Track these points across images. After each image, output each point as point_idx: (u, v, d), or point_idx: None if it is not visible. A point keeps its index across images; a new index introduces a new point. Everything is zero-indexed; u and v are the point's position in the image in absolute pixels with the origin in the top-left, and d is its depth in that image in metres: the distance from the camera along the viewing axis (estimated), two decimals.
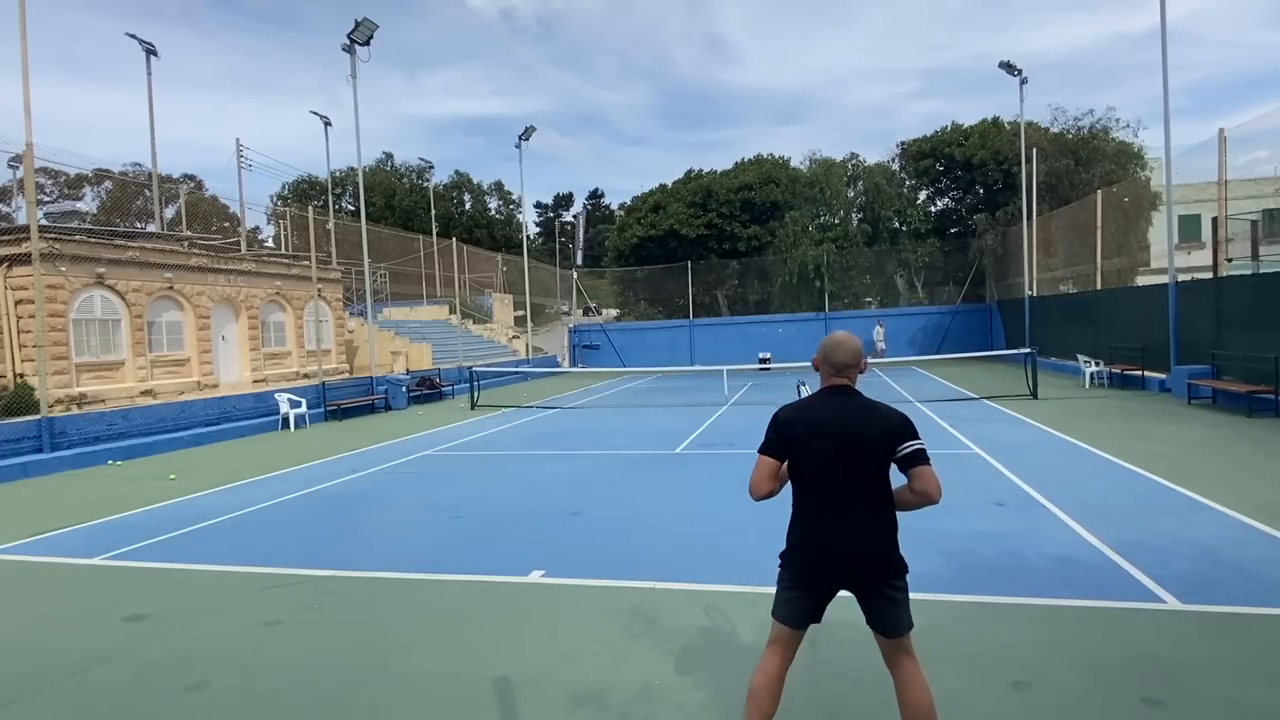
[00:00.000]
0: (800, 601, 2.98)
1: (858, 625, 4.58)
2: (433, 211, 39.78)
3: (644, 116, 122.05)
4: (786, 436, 2.98)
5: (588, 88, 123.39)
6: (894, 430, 2.88)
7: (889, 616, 2.92)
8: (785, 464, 3.02)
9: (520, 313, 37.62)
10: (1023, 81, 25.84)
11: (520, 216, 48.41)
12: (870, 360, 3.55)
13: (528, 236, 46.92)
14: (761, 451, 3.01)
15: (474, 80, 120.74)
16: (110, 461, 12.92)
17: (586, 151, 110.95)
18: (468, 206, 55.19)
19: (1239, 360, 13.70)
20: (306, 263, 23.21)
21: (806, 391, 3.48)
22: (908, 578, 2.96)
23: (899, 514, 2.96)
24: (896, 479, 2.93)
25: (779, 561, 3.07)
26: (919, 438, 2.89)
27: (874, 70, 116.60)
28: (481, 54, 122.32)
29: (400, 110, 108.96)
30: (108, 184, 42.22)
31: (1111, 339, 19.33)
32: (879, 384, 21.31)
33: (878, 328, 30.90)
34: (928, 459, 2.88)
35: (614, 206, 62.16)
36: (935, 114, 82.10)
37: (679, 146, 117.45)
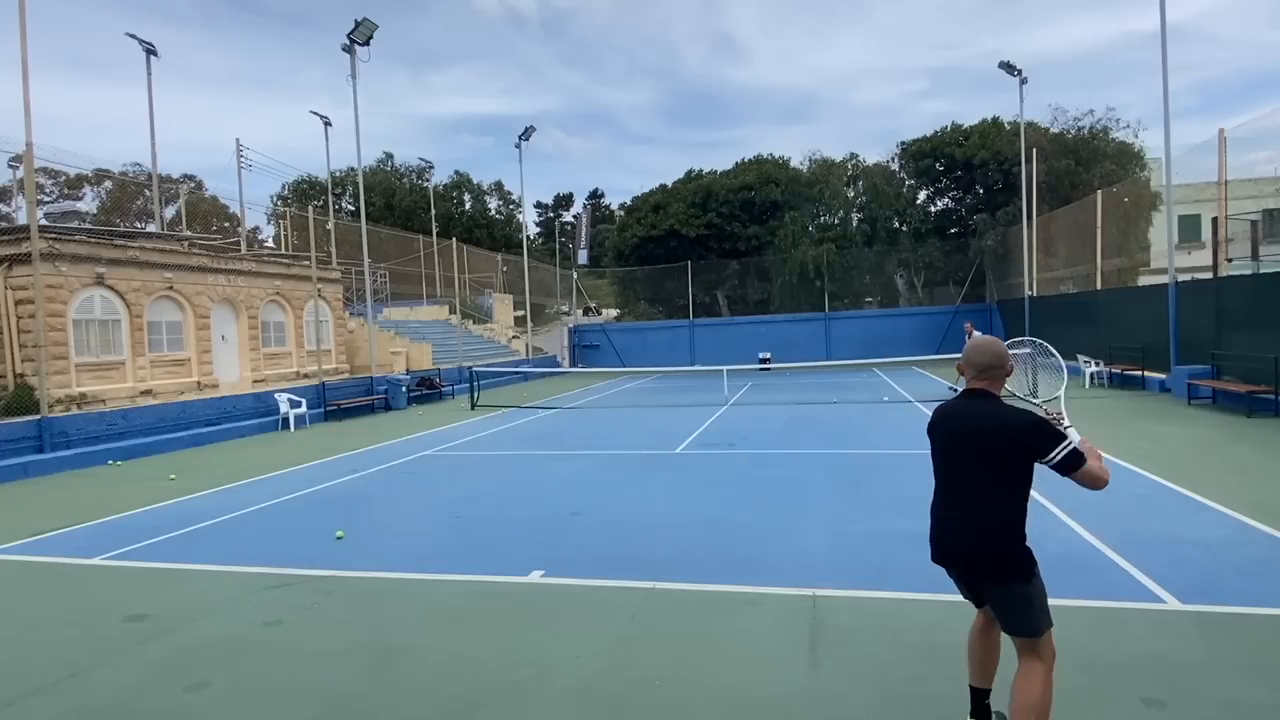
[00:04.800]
0: (956, 580, 3.18)
1: (858, 626, 4.62)
2: (433, 211, 39.73)
3: (651, 115, 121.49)
4: (930, 435, 3.21)
5: (595, 87, 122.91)
6: (1011, 438, 2.86)
7: (998, 614, 3.02)
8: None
9: (520, 313, 37.61)
10: (1023, 81, 25.84)
11: (520, 216, 48.42)
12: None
13: (528, 236, 46.94)
14: None
15: (481, 79, 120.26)
16: (110, 461, 12.92)
17: (592, 150, 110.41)
18: (468, 206, 55.15)
19: (1239, 360, 13.69)
20: (306, 263, 23.21)
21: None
22: (1029, 584, 2.94)
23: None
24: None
25: None
26: (1055, 444, 2.84)
27: (882, 69, 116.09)
28: (488, 53, 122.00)
29: (406, 109, 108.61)
30: (108, 184, 42.30)
31: (1112, 339, 19.31)
32: (878, 384, 21.32)
33: (967, 325, 29.27)
34: (1076, 464, 2.85)
35: (614, 206, 62.12)
36: (942, 113, 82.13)
37: (685, 145, 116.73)
